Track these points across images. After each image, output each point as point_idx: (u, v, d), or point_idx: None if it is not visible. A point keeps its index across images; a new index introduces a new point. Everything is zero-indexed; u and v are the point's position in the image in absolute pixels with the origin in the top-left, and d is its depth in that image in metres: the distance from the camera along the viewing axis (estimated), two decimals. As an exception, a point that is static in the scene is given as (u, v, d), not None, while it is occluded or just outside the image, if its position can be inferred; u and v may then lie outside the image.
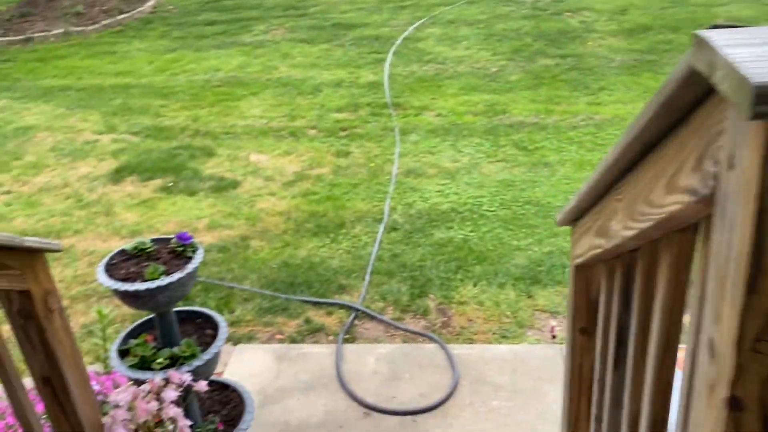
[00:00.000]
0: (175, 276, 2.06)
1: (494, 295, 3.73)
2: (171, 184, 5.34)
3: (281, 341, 3.50)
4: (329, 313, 3.70)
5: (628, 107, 6.57)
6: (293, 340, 3.49)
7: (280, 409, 2.96)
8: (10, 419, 2.57)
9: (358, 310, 3.67)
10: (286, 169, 5.60)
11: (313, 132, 6.39)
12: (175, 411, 1.95)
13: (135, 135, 6.35)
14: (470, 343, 3.36)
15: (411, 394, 2.99)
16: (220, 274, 4.10)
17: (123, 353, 2.25)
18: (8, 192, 5.29)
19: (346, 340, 3.42)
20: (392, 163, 5.57)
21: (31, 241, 1.65)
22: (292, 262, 4.20)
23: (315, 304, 3.78)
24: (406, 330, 3.48)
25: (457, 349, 3.26)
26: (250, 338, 3.52)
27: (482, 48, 8.55)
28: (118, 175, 5.49)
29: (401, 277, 3.96)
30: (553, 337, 3.36)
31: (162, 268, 2.08)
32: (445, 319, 3.59)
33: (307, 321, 3.63)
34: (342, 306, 3.73)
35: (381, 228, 4.52)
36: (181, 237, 2.17)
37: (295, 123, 6.58)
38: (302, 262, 4.20)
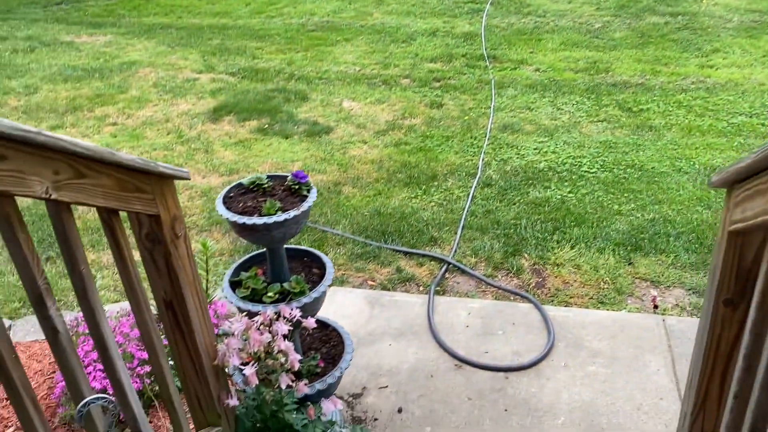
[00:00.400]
0: (291, 213, 2.07)
1: (592, 259, 3.60)
2: (267, 125, 5.41)
3: (372, 287, 3.52)
4: (420, 264, 3.68)
5: (744, 72, 6.11)
6: (384, 288, 3.51)
7: (372, 352, 2.99)
8: (119, 338, 2.71)
9: (449, 263, 3.63)
10: (379, 118, 5.56)
11: (406, 81, 6.29)
12: (287, 344, 1.98)
13: (232, 75, 6.45)
14: (566, 306, 3.27)
15: (504, 351, 2.95)
16: (313, 217, 4.14)
17: (234, 285, 2.30)
18: (114, 124, 5.50)
19: (437, 293, 3.40)
20: (487, 117, 5.42)
21: (163, 166, 1.68)
22: (384, 211, 4.19)
23: (406, 254, 3.77)
24: (499, 287, 3.42)
25: (552, 311, 3.18)
26: (342, 282, 3.56)
27: (585, 2, 8.11)
28: (216, 114, 5.61)
29: (494, 234, 3.88)
30: (655, 307, 3.23)
31: (278, 204, 2.09)
32: (540, 279, 3.50)
33: (398, 270, 3.63)
34: (433, 258, 3.70)
35: (474, 183, 4.43)
36: (297, 175, 2.18)
37: (388, 71, 6.49)
38: (393, 211, 4.19)
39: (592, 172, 4.51)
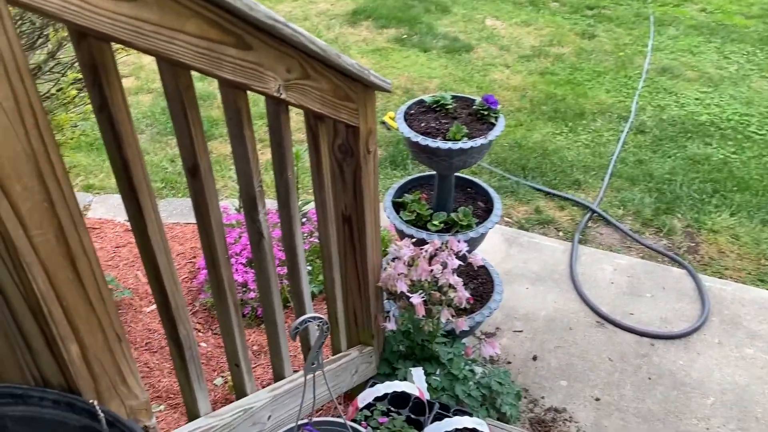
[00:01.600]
0: (478, 141, 1.91)
1: (755, 230, 3.28)
2: (405, 36, 5.18)
3: (508, 225, 3.37)
4: (561, 208, 3.48)
5: None
6: (521, 227, 3.35)
7: (508, 292, 2.88)
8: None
9: (594, 211, 3.41)
10: (523, 41, 5.20)
11: (555, 5, 5.83)
12: (456, 279, 1.88)
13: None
14: (720, 277, 3.01)
15: (650, 315, 2.76)
16: (450, 140, 3.97)
17: (396, 206, 2.21)
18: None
19: (578, 241, 3.21)
20: (644, 56, 4.96)
21: (374, 75, 1.55)
22: (525, 144, 3.96)
23: (547, 194, 3.57)
24: (648, 246, 3.19)
25: (707, 281, 2.94)
26: (477, 213, 3.42)
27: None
28: (354, 18, 5.41)
29: (645, 187, 3.60)
30: (825, 296, 2.91)
31: (465, 129, 1.94)
32: (692, 244, 3.23)
33: (537, 210, 3.44)
34: (576, 203, 3.48)
35: (626, 127, 4.10)
36: (488, 100, 2.00)
37: (536, -9, 6.03)
38: (535, 146, 3.95)
39: (761, 134, 4.06)
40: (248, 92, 1.22)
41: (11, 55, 0.70)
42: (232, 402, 1.51)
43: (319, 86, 1.38)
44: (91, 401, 0.87)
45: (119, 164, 0.98)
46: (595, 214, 3.41)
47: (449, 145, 1.90)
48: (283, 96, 1.25)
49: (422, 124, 2.02)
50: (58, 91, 1.70)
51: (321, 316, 1.16)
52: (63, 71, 1.67)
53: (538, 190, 3.59)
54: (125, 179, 0.99)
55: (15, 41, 0.70)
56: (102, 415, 0.87)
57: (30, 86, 0.74)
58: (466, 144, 1.91)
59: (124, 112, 0.96)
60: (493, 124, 2.01)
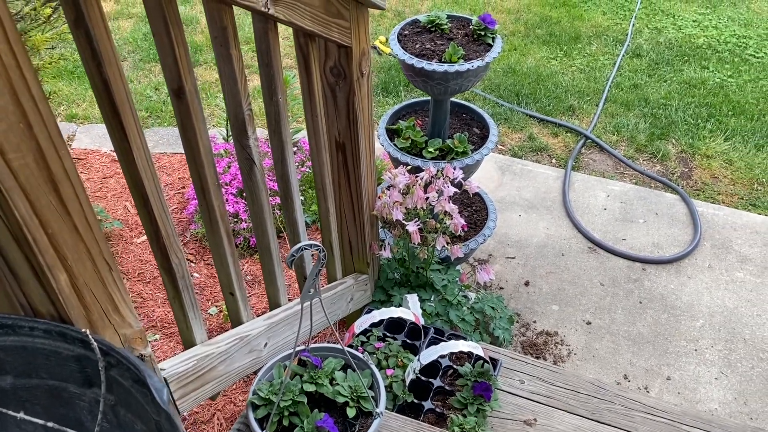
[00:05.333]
0: (475, 63, 1.84)
1: (748, 155, 3.26)
2: (395, -45, 4.95)
3: (501, 152, 3.33)
4: (554, 134, 3.43)
5: None
6: (514, 154, 3.30)
7: (501, 220, 2.87)
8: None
9: (587, 137, 3.36)
10: (517, -38, 4.99)
11: None
12: (452, 206, 1.86)
13: None
14: (712, 202, 3.01)
15: (643, 241, 2.77)
16: (442, 65, 3.86)
17: (390, 133, 2.15)
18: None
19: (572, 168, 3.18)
20: (642, -24, 4.79)
21: (366, -9, 1.47)
22: (519, 69, 3.87)
23: (540, 120, 3.51)
24: (641, 172, 3.17)
25: (700, 206, 2.94)
26: (470, 140, 3.36)
27: None
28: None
29: (640, 112, 3.54)
30: (816, 220, 2.93)
31: (461, 51, 1.86)
32: (686, 170, 3.22)
33: (531, 137, 3.39)
34: (570, 129, 3.43)
35: (622, 51, 4.00)
36: (485, 19, 1.91)
37: None
38: (529, 71, 3.86)
39: (758, 57, 3.98)
40: (234, 9, 1.15)
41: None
42: (227, 331, 1.50)
43: (308, 1, 1.30)
44: (83, 330, 0.85)
45: (100, 85, 0.92)
46: (589, 141, 3.37)
47: (445, 67, 1.83)
48: (270, 11, 1.18)
49: (417, 46, 1.94)
50: (32, 10, 1.60)
51: (317, 243, 1.13)
52: (34, -10, 1.57)
53: (532, 116, 3.53)
54: (107, 101, 0.93)
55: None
56: (95, 343, 0.85)
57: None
58: (462, 66, 1.84)
59: (101, 27, 0.89)
60: (490, 45, 1.93)
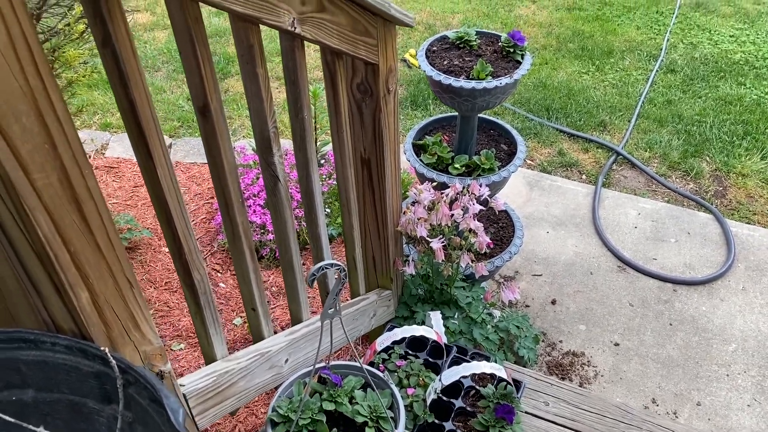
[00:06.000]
0: (503, 80, 1.82)
1: (786, 175, 3.17)
2: (427, -32, 4.96)
3: (530, 167, 3.29)
4: (585, 150, 3.38)
5: None
6: (543, 169, 3.27)
7: (528, 236, 2.83)
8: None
9: (619, 153, 3.31)
10: (550, -25, 4.96)
11: (585, -65, 5.53)
12: (477, 224, 1.84)
13: None
14: (747, 222, 2.93)
15: (674, 261, 2.71)
16: (472, 78, 3.85)
17: (416, 148, 2.15)
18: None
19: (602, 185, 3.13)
20: (678, -10, 4.72)
21: (395, 9, 1.47)
22: (549, 84, 3.83)
23: (571, 136, 3.46)
24: (674, 190, 3.10)
25: (734, 226, 2.86)
26: (499, 155, 3.34)
27: None
28: (374, -52, 5.19)
29: (674, 129, 3.47)
30: None
31: (489, 67, 1.85)
32: (720, 188, 3.14)
33: (561, 153, 3.35)
34: (601, 145, 3.38)
35: (656, 66, 3.93)
36: (514, 36, 1.90)
37: None
38: (560, 85, 3.82)
39: (799, 74, 3.88)
40: (261, 27, 1.16)
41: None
42: (251, 342, 1.51)
43: (336, 20, 1.31)
44: (102, 348, 0.86)
45: (126, 105, 0.94)
46: (620, 157, 3.31)
47: (473, 84, 1.82)
48: (297, 30, 1.18)
49: (445, 62, 1.93)
50: (66, 26, 1.64)
51: (339, 263, 1.12)
52: (70, 5, 1.60)
53: (562, 131, 3.49)
54: (133, 121, 0.95)
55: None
56: (113, 361, 0.85)
57: (24, 18, 0.68)
58: (490, 83, 1.82)
59: (129, 48, 0.90)
60: (519, 62, 1.91)
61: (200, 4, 0.99)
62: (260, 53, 1.17)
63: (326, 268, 1.10)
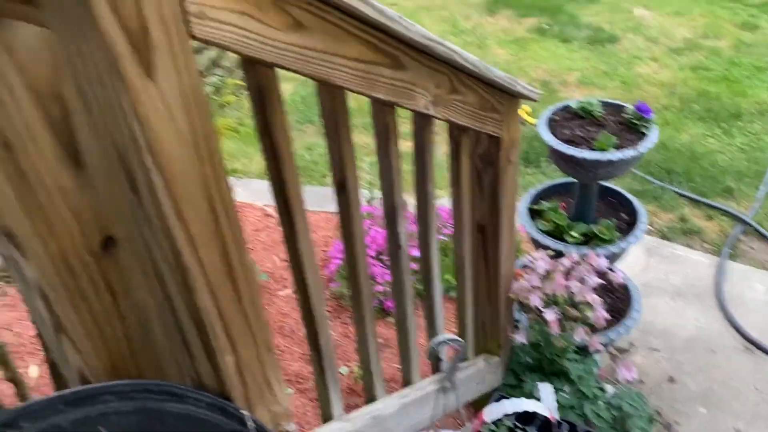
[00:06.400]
0: (628, 153, 1.80)
1: None
2: (545, 25, 4.99)
3: (649, 233, 3.17)
4: (709, 217, 3.22)
5: None
6: (663, 236, 3.14)
7: (645, 306, 2.69)
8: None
9: (747, 223, 3.12)
10: (674, 33, 4.84)
11: (714, -8, 5.36)
12: (594, 297, 1.80)
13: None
14: None
15: (809, 345, 2.50)
16: (588, 138, 3.79)
17: (532, 213, 2.15)
18: (394, 4, 5.46)
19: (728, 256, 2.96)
20: (817, 50, 4.45)
21: (522, 86, 1.50)
22: (671, 146, 3.70)
23: (694, 201, 3.31)
24: (811, 266, 2.88)
25: None
26: (614, 218, 3.25)
27: None
28: (493, 6, 5.30)
29: (810, 199, 3.24)
30: None
31: (613, 139, 1.84)
32: None
33: (682, 219, 3.21)
34: (726, 213, 3.21)
35: (791, 131, 3.71)
36: (641, 108, 1.88)
37: (693, -23, 5.57)
38: (683, 148, 3.68)
39: None
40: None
41: (192, 91, 0.74)
42: (356, 393, 1.54)
43: (465, 100, 1.36)
44: (243, 411, 0.93)
45: (277, 186, 1.03)
46: (749, 227, 3.12)
47: (596, 156, 1.81)
48: (430, 112, 1.25)
49: (566, 132, 1.93)
50: (215, 92, 1.80)
51: (459, 338, 1.15)
52: (222, 76, 1.77)
53: (684, 196, 3.35)
54: (281, 199, 1.04)
55: (196, 78, 0.75)
56: (252, 424, 0.92)
57: (207, 119, 0.78)
58: (614, 155, 1.81)
59: (283, 133, 0.99)
60: (644, 134, 1.88)
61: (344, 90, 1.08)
62: (394, 132, 1.24)
63: (447, 343, 1.13)
